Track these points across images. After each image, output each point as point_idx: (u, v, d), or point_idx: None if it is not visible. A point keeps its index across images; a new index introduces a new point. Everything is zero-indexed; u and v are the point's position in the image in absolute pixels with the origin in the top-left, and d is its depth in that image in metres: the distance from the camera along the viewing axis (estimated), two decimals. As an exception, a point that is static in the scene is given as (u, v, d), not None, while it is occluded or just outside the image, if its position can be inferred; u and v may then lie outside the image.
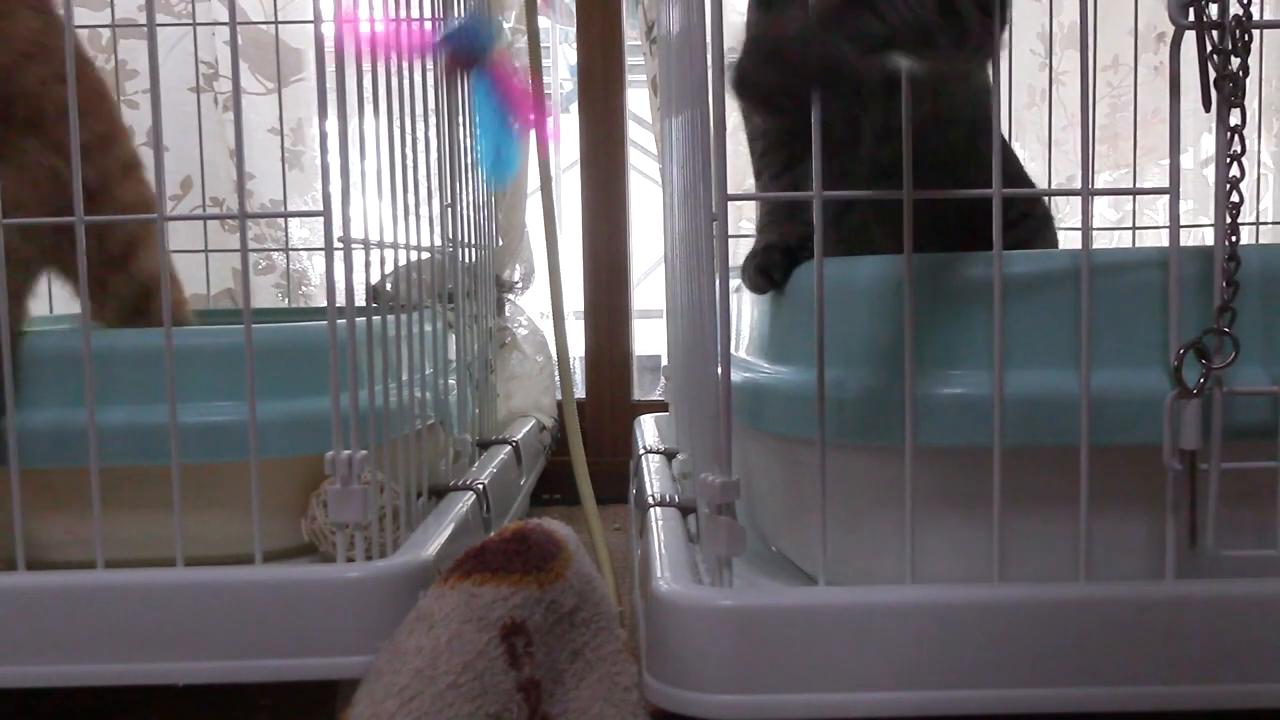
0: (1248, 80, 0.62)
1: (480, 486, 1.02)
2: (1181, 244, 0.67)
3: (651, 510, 0.89)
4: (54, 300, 1.34)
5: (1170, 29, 0.63)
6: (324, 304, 0.76)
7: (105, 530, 0.75)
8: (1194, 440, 0.64)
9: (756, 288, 0.81)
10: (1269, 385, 0.66)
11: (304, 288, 1.58)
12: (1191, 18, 0.62)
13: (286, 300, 1.55)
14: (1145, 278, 0.68)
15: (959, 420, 0.67)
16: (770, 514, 0.83)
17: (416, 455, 0.92)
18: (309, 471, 0.85)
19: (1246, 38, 0.62)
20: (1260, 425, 0.66)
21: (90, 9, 1.47)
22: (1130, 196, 1.43)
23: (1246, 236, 0.66)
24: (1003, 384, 0.66)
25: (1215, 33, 0.62)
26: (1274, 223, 1.50)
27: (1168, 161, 0.67)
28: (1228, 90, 0.62)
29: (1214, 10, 0.62)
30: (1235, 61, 0.62)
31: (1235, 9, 0.62)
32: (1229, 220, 0.64)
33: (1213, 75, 0.62)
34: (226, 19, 1.48)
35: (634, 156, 1.76)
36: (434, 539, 0.83)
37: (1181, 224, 0.69)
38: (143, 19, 1.45)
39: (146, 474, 0.80)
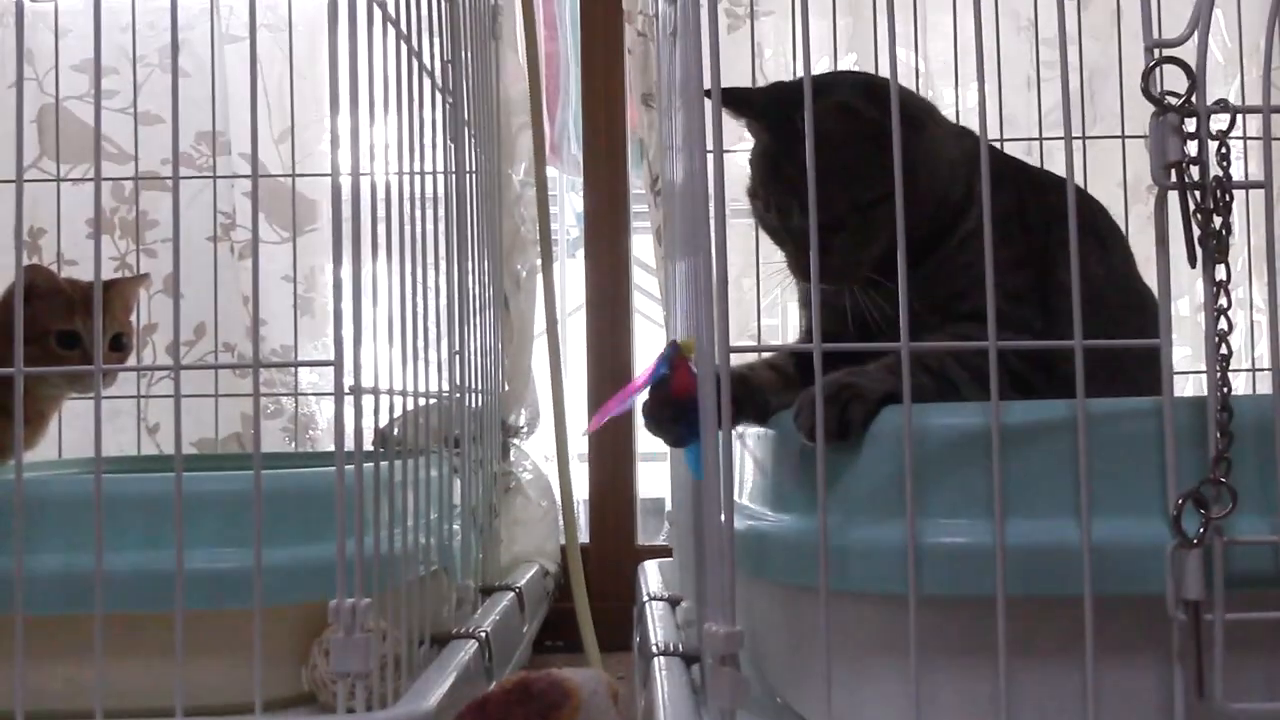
0: (1230, 238, 0.64)
1: (483, 634, 1.01)
2: (1179, 390, 0.68)
3: (655, 660, 0.88)
4: (64, 443, 1.35)
5: (1159, 181, 0.66)
6: (330, 448, 0.77)
7: (105, 679, 0.74)
8: (1197, 590, 0.64)
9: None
10: (1269, 534, 0.66)
11: (311, 431, 1.60)
12: (1174, 179, 0.65)
13: (294, 444, 1.56)
14: (1141, 427, 0.68)
15: (961, 569, 0.67)
16: (775, 664, 0.82)
17: (419, 602, 0.91)
18: (309, 618, 0.85)
19: (1228, 197, 0.64)
20: (1264, 574, 0.66)
21: (115, 163, 1.52)
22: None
23: (1244, 382, 0.67)
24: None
25: (1198, 192, 0.65)
26: (1269, 369, 1.52)
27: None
28: (1211, 247, 0.64)
29: (1195, 172, 0.64)
30: (1218, 220, 0.64)
31: (1215, 170, 0.64)
32: (1219, 372, 0.66)
33: (1196, 233, 0.64)
34: (245, 172, 1.53)
35: (638, 300, 1.80)
36: (435, 689, 0.82)
37: (1177, 371, 0.70)
38: (165, 172, 1.51)
39: (147, 621, 0.80)
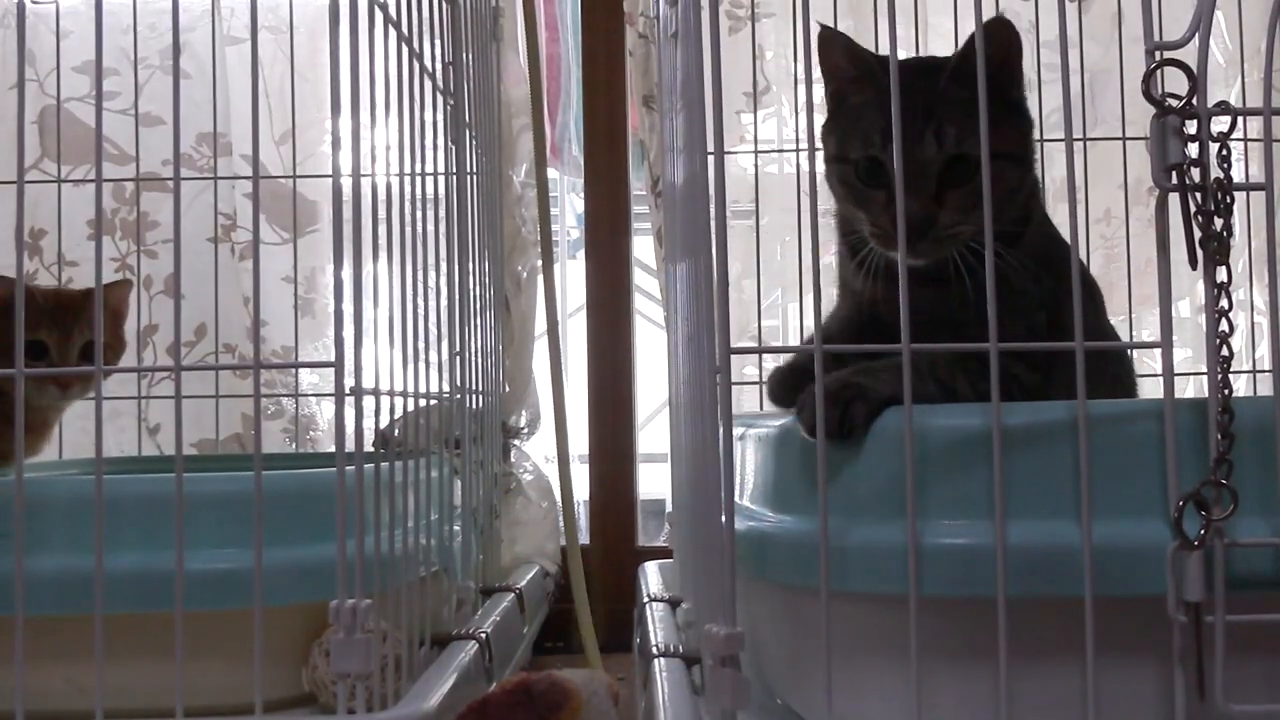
0: (1231, 240, 0.64)
1: (483, 635, 1.01)
2: (1181, 392, 0.68)
3: (655, 661, 0.88)
4: (64, 444, 1.35)
5: (1159, 182, 0.66)
6: (331, 449, 0.77)
7: (105, 680, 0.74)
8: (1197, 592, 0.64)
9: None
10: (1270, 536, 0.66)
11: (311, 432, 1.60)
12: (1175, 181, 0.65)
13: (294, 445, 1.56)
14: (1143, 429, 0.68)
15: (962, 571, 0.67)
16: (776, 665, 0.82)
17: (420, 603, 0.92)
18: (310, 619, 0.85)
19: (1229, 199, 0.65)
20: (1265, 576, 0.66)
21: (116, 164, 1.52)
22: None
23: (1245, 384, 0.67)
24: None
25: (1199, 194, 0.65)
26: (1270, 371, 1.52)
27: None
28: (1212, 249, 0.64)
29: (1196, 174, 0.65)
30: (1219, 222, 0.64)
31: (1216, 173, 0.64)
32: (1220, 374, 0.66)
33: (1197, 235, 0.64)
34: (246, 173, 1.54)
35: (639, 301, 1.80)
36: (436, 690, 0.82)
37: (1178, 373, 0.70)
38: (166, 173, 1.51)
39: (147, 622, 0.80)
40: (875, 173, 0.82)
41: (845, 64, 0.85)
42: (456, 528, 1.13)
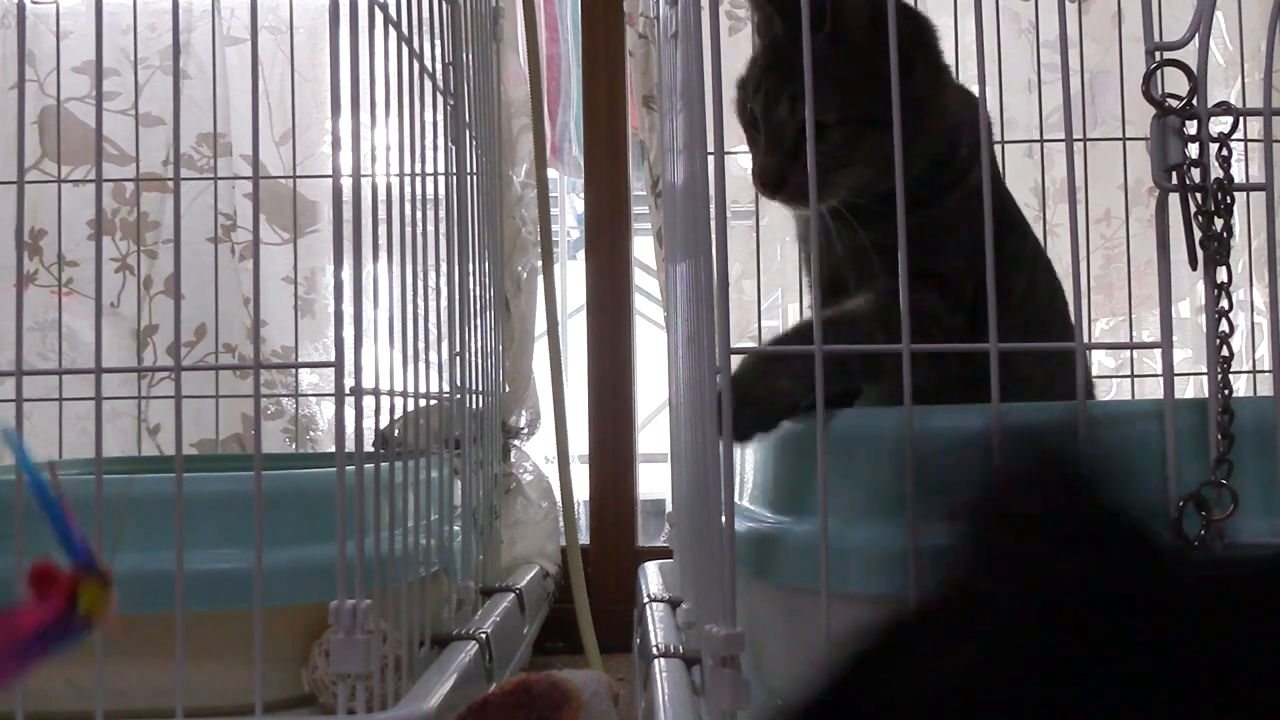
0: (1231, 240, 0.64)
1: (483, 636, 1.01)
2: (1181, 392, 0.68)
3: (655, 661, 0.88)
4: (64, 444, 1.35)
5: (1159, 182, 0.66)
6: (331, 449, 0.77)
7: (105, 680, 0.74)
8: (1198, 593, 0.64)
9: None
10: (1270, 537, 0.66)
11: (311, 432, 1.60)
12: (1175, 181, 0.65)
13: (294, 445, 1.56)
14: (1143, 429, 0.68)
15: (963, 571, 0.67)
16: (776, 666, 0.82)
17: (420, 603, 0.92)
18: (311, 620, 0.85)
19: (1229, 200, 0.65)
20: (1265, 577, 0.66)
21: (116, 164, 1.53)
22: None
23: (1245, 384, 0.67)
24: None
25: (1199, 195, 0.65)
26: (1270, 371, 1.52)
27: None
28: (1213, 250, 0.64)
29: (1196, 174, 0.65)
30: (1219, 222, 0.64)
31: (1216, 173, 0.64)
32: (1220, 374, 0.66)
33: (1198, 235, 0.64)
34: (246, 173, 1.54)
35: (639, 301, 1.80)
36: (436, 690, 0.82)
37: (1179, 373, 0.70)
38: (166, 173, 1.51)
39: (147, 622, 0.80)
40: (753, 120, 0.87)
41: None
42: (456, 528, 1.13)
